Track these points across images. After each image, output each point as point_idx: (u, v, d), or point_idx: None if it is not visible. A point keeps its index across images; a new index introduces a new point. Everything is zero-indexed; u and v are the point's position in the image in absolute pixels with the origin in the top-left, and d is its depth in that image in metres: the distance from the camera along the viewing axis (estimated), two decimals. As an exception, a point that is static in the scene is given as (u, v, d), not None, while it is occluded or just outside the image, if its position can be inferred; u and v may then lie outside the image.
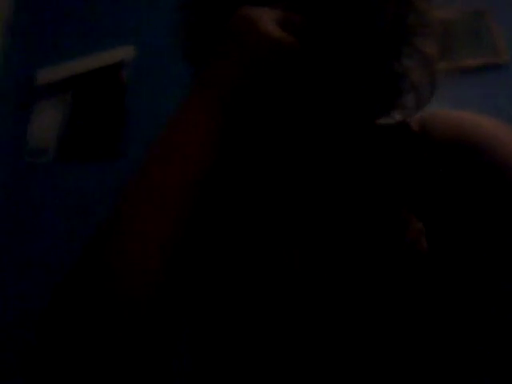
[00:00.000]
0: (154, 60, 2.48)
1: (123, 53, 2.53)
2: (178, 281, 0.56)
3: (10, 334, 2.00)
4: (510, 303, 0.62)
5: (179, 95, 0.65)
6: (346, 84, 0.63)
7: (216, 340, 0.69)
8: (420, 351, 0.60)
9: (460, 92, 2.06)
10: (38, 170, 2.40)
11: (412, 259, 0.61)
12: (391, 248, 0.63)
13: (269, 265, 0.66)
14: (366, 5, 0.60)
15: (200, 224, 0.58)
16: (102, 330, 0.49)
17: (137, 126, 2.38)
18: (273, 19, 0.59)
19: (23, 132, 2.48)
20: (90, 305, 0.50)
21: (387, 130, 0.71)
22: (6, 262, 2.18)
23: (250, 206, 0.71)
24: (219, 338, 0.69)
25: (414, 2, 0.65)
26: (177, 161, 0.56)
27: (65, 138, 2.47)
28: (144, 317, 0.51)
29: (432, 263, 0.61)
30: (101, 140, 2.42)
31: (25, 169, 2.40)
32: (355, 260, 0.64)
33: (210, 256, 0.68)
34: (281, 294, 0.64)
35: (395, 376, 0.61)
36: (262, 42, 0.58)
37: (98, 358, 0.49)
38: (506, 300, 0.62)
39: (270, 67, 0.58)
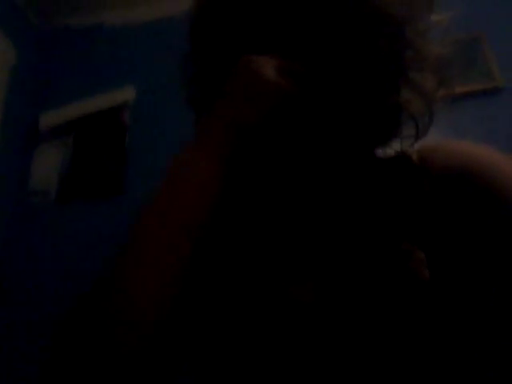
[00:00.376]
0: (154, 100, 2.53)
1: (124, 94, 2.59)
2: (179, 327, 0.56)
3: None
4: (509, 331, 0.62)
5: (178, 134, 0.66)
6: (345, 120, 0.64)
7: (221, 378, 0.68)
8: (424, 379, 0.60)
9: (457, 117, 2.10)
10: (39, 211, 2.44)
11: (414, 288, 0.62)
12: (395, 279, 0.63)
13: (279, 299, 0.66)
14: (360, 46, 0.62)
15: (201, 270, 0.57)
16: (97, 379, 0.49)
17: (137, 164, 2.42)
18: (273, 66, 0.61)
19: (26, 174, 2.53)
20: (87, 354, 0.50)
21: (388, 163, 0.72)
22: (6, 303, 2.20)
23: (255, 241, 0.71)
24: (225, 377, 0.68)
25: (409, 39, 0.66)
26: (176, 212, 0.56)
27: (66, 180, 2.51)
28: (142, 367, 0.51)
29: (434, 291, 0.61)
30: (101, 179, 2.45)
31: (26, 210, 2.44)
32: (361, 292, 0.64)
33: (215, 294, 0.68)
34: (295, 328, 0.64)
35: None
36: (264, 88, 0.60)
37: None
38: (505, 327, 0.61)
39: (271, 112, 0.60)
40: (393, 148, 0.72)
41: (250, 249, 0.71)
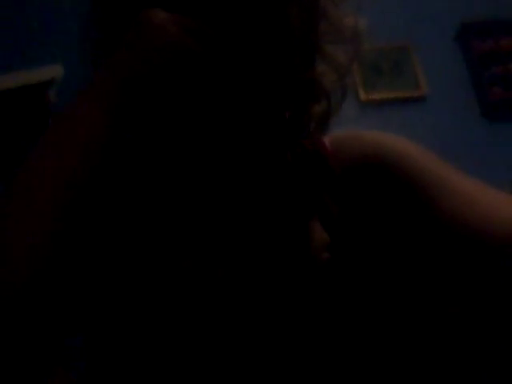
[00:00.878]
0: (82, 79, 2.69)
1: (51, 71, 2.53)
2: (69, 274, 0.53)
3: None
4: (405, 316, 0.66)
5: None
6: (251, 89, 0.63)
7: (116, 348, 0.66)
8: (313, 359, 0.63)
9: (381, 122, 2.18)
10: None
11: (312, 267, 0.64)
12: (294, 257, 0.65)
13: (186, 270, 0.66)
14: (268, 11, 0.62)
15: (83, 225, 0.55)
16: None
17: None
18: (175, 22, 0.60)
19: None
20: None
21: (301, 145, 0.71)
22: None
23: (151, 211, 0.70)
24: (120, 346, 0.66)
25: (323, 9, 0.65)
26: (64, 147, 0.55)
27: None
28: (27, 305, 0.49)
29: (330, 272, 0.64)
30: (20, 159, 2.39)
31: None
32: (259, 270, 0.65)
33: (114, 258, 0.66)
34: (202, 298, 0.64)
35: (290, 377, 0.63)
36: (161, 41, 0.59)
37: None
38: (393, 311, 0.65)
39: (168, 67, 0.59)
40: (305, 128, 0.71)
41: (139, 219, 0.69)
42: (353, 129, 0.74)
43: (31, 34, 2.61)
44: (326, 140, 0.72)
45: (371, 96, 2.44)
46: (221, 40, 0.61)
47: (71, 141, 0.56)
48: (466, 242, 0.60)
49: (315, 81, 0.67)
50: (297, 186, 0.69)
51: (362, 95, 2.43)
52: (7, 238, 0.51)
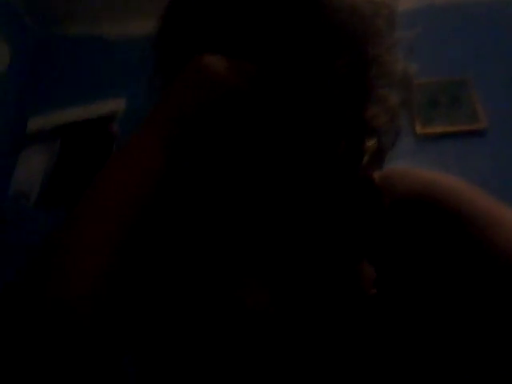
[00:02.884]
0: (143, 113, 2.77)
1: (114, 105, 2.63)
2: (121, 303, 0.55)
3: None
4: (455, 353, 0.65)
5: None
6: (298, 129, 0.64)
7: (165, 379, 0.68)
8: None
9: (437, 156, 2.26)
10: (20, 214, 2.43)
11: (360, 303, 0.64)
12: (343, 292, 0.65)
13: (229, 304, 0.66)
14: (315, 61, 0.63)
15: (140, 258, 0.57)
16: (38, 340, 0.48)
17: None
18: (223, 63, 0.62)
19: (9, 177, 2.53)
20: (28, 314, 0.49)
21: (351, 181, 0.72)
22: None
23: (204, 242, 0.71)
24: (169, 378, 0.68)
25: (373, 55, 0.66)
26: (118, 187, 0.57)
27: (49, 185, 2.50)
28: (83, 330, 0.50)
29: (378, 306, 0.63)
30: (85, 189, 2.47)
31: (7, 212, 2.44)
32: (310, 305, 0.65)
33: (156, 291, 0.67)
34: (245, 336, 0.65)
35: None
36: (210, 80, 0.61)
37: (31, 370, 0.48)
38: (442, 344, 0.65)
39: (216, 105, 0.61)
40: (357, 165, 0.71)
41: (196, 246, 0.71)
42: (409, 162, 0.76)
43: (98, 70, 2.74)
44: (377, 175, 0.73)
45: (428, 130, 2.40)
46: (267, 81, 0.63)
47: (130, 171, 0.59)
48: None
49: (366, 121, 0.68)
50: (347, 219, 0.70)
51: (419, 129, 2.39)
52: (67, 269, 0.53)
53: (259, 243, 0.71)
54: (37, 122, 2.57)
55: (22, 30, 2.79)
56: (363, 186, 0.72)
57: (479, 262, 0.60)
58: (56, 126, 2.57)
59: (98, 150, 2.52)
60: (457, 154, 2.24)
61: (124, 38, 2.83)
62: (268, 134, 0.65)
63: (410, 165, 0.78)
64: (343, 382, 0.63)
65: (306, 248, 0.69)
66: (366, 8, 0.65)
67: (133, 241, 0.56)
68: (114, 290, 0.54)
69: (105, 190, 0.58)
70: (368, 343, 0.63)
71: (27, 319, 0.49)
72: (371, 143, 0.70)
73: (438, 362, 0.65)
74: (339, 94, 0.64)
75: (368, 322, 0.63)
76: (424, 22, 0.75)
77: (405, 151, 0.76)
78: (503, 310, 0.59)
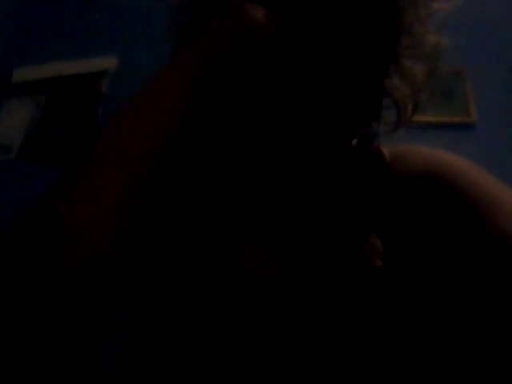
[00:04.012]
0: (135, 73, 2.55)
1: (105, 62, 2.56)
2: (129, 258, 0.53)
3: None
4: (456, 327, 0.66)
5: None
6: (324, 88, 0.64)
7: (157, 341, 0.68)
8: (366, 362, 0.63)
9: (425, 145, 2.42)
10: None
11: (365, 275, 0.65)
12: (349, 263, 0.66)
13: (230, 270, 0.67)
14: (352, 18, 0.62)
15: (155, 204, 0.56)
16: (40, 293, 0.46)
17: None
18: (262, 11, 0.61)
19: None
20: (32, 263, 0.47)
21: (362, 154, 0.72)
22: None
23: (215, 201, 0.71)
24: (162, 339, 0.67)
25: (408, 24, 0.66)
26: (137, 126, 0.55)
27: (31, 139, 2.44)
28: (86, 286, 0.48)
29: (384, 279, 0.65)
30: (68, 147, 2.40)
31: None
32: (316, 274, 0.66)
33: (168, 247, 0.67)
34: (247, 302, 0.65)
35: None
36: (247, 25, 0.60)
37: (33, 325, 0.46)
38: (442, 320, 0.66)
39: (250, 51, 0.60)
40: (368, 137, 0.72)
41: (209, 199, 0.70)
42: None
43: (91, 25, 2.65)
44: (386, 151, 0.73)
45: (418, 118, 2.40)
46: (302, 34, 0.62)
47: (150, 111, 0.57)
48: None
49: (386, 91, 0.68)
50: (356, 192, 0.71)
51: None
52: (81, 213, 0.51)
53: (270, 214, 0.71)
54: (22, 74, 2.50)
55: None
56: (372, 159, 0.73)
57: (482, 240, 0.62)
58: (42, 78, 2.49)
59: (84, 108, 2.49)
60: (445, 144, 2.21)
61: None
62: (294, 88, 0.64)
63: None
64: (348, 350, 0.64)
65: (315, 219, 0.70)
66: None
67: (145, 198, 0.54)
68: (121, 251, 0.52)
69: (120, 138, 0.55)
70: (373, 314, 0.65)
71: (25, 278, 0.47)
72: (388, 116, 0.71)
73: (440, 335, 0.66)
74: (367, 58, 0.64)
75: (373, 293, 0.65)
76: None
77: (393, 138, 0.77)
78: (504, 288, 0.60)
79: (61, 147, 2.37)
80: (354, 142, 0.73)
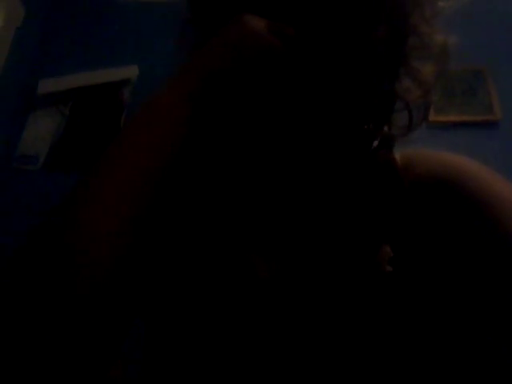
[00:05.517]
0: (156, 81, 2.73)
1: (127, 71, 2.61)
2: (137, 267, 0.53)
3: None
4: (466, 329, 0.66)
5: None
6: (330, 95, 0.64)
7: (170, 345, 0.69)
8: (377, 366, 0.63)
9: (448, 145, 2.42)
10: (25, 176, 2.43)
11: (375, 280, 0.65)
12: (359, 268, 0.66)
13: (238, 269, 0.67)
14: (358, 22, 0.62)
15: (162, 214, 0.56)
16: (52, 308, 0.46)
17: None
18: (264, 23, 0.61)
19: (17, 138, 2.51)
20: (40, 280, 0.47)
21: (373, 158, 0.72)
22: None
23: (217, 205, 0.71)
24: (174, 343, 0.68)
25: (414, 25, 0.65)
26: (142, 140, 0.56)
27: (57, 148, 2.49)
28: (97, 298, 0.48)
29: (393, 283, 0.64)
30: (93, 154, 2.41)
31: (13, 174, 2.44)
32: (323, 277, 0.66)
33: (172, 252, 0.68)
34: (250, 301, 0.65)
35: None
36: (247, 38, 0.60)
37: (47, 340, 0.45)
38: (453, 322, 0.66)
39: (251, 64, 0.60)
40: (380, 141, 0.72)
41: (214, 206, 0.71)
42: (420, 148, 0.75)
43: (113, 35, 2.71)
44: (398, 155, 0.73)
45: (441, 118, 2.37)
46: (305, 44, 0.62)
47: (152, 125, 0.57)
48: None
49: (396, 94, 0.67)
50: (369, 198, 0.70)
51: (432, 116, 2.36)
52: (91, 220, 0.51)
53: (276, 216, 0.71)
54: (47, 84, 2.54)
55: (36, -11, 2.72)
56: (384, 165, 0.72)
57: (494, 246, 0.61)
58: (66, 89, 2.54)
59: (107, 117, 2.52)
60: (468, 144, 2.11)
61: (138, 2, 2.78)
62: (298, 99, 0.64)
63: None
64: (355, 352, 0.64)
65: (324, 224, 0.69)
66: None
67: (154, 203, 0.55)
68: (134, 252, 0.53)
69: (126, 149, 0.56)
70: (382, 318, 0.64)
71: (41, 283, 0.48)
72: (400, 119, 0.70)
73: (450, 338, 0.66)
74: (374, 62, 0.63)
75: (383, 297, 0.64)
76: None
77: (416, 138, 0.75)
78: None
79: (85, 156, 2.40)
80: (375, 144, 0.72)
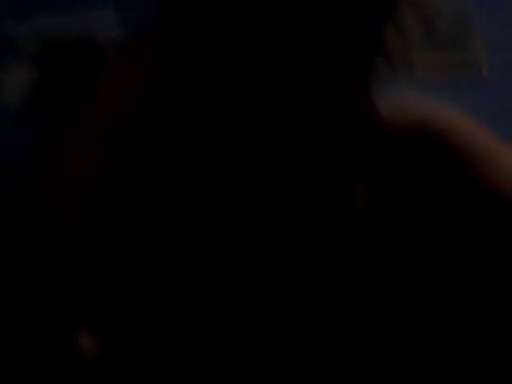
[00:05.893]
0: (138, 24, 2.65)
1: (104, 16, 2.57)
2: (111, 216, 0.53)
3: None
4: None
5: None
6: (316, 37, 0.62)
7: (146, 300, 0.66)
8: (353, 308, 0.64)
9: (436, 98, 2.43)
10: None
11: (348, 217, 0.64)
12: (334, 209, 0.65)
13: (220, 217, 0.65)
14: None
15: (134, 154, 0.55)
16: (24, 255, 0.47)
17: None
18: None
19: None
20: (16, 231, 0.48)
21: (356, 103, 0.69)
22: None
23: (197, 152, 0.68)
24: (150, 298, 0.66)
25: None
26: (107, 92, 0.55)
27: (33, 94, 2.16)
28: (69, 249, 0.48)
29: (367, 222, 0.64)
30: (69, 100, 2.36)
31: None
32: (300, 216, 0.65)
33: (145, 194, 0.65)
34: (235, 248, 0.64)
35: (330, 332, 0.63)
36: None
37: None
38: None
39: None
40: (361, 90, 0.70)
41: (187, 156, 0.68)
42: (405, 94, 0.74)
43: None
44: (381, 102, 0.71)
45: (427, 70, 2.37)
46: None
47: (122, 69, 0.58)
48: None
49: (382, 40, 0.66)
50: (347, 138, 0.68)
51: (418, 66, 2.39)
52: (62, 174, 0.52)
53: (253, 161, 0.69)
54: (22, 29, 2.41)
55: None
56: (364, 110, 0.69)
57: (478, 195, 0.61)
58: (43, 34, 2.43)
59: (85, 62, 2.43)
60: (453, 98, 2.22)
61: None
62: (285, 32, 0.63)
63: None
64: (333, 293, 0.64)
65: (298, 163, 0.68)
66: None
67: (125, 149, 0.55)
68: (105, 202, 0.53)
69: (99, 95, 0.56)
70: (358, 258, 0.64)
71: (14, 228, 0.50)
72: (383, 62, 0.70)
73: (427, 285, 0.65)
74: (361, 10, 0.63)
75: (358, 238, 0.64)
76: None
77: (402, 89, 0.73)
78: (501, 246, 0.60)
79: (62, 102, 2.31)
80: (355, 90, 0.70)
